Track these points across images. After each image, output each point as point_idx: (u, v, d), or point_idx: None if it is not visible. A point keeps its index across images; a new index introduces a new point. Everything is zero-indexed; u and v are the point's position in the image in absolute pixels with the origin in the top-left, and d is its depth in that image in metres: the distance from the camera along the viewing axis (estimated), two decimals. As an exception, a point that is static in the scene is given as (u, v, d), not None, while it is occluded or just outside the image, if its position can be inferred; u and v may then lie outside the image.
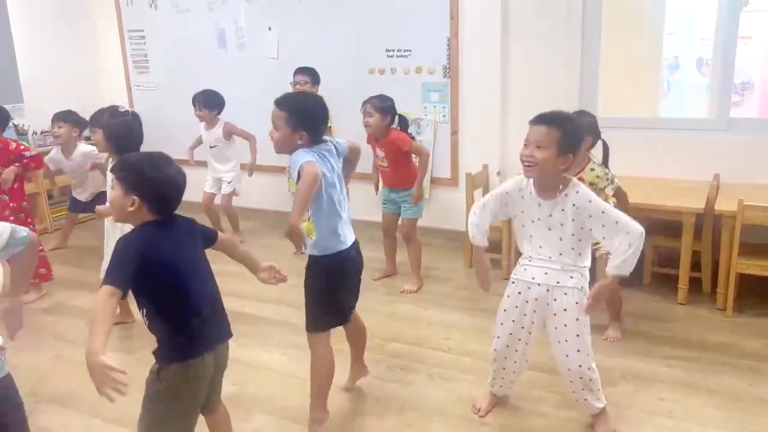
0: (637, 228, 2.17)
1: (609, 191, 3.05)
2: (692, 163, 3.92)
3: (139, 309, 1.90)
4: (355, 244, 2.47)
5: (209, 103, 4.81)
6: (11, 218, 3.75)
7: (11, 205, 3.88)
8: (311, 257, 2.39)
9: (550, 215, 2.29)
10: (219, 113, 4.87)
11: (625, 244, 2.15)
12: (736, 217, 3.29)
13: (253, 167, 4.89)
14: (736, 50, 3.93)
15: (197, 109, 4.83)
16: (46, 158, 4.60)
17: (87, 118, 5.71)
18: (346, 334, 2.69)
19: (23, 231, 1.89)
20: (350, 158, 2.56)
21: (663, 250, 3.95)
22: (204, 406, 2.06)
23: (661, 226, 3.83)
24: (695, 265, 3.65)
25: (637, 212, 3.48)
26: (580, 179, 3.03)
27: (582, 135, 2.31)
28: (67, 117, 4.47)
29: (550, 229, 2.30)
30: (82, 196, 4.76)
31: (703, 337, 3.23)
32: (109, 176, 2.62)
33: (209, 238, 2.07)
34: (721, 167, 3.84)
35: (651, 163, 3.92)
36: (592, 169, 3.05)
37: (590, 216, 2.23)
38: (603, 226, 2.21)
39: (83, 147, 4.56)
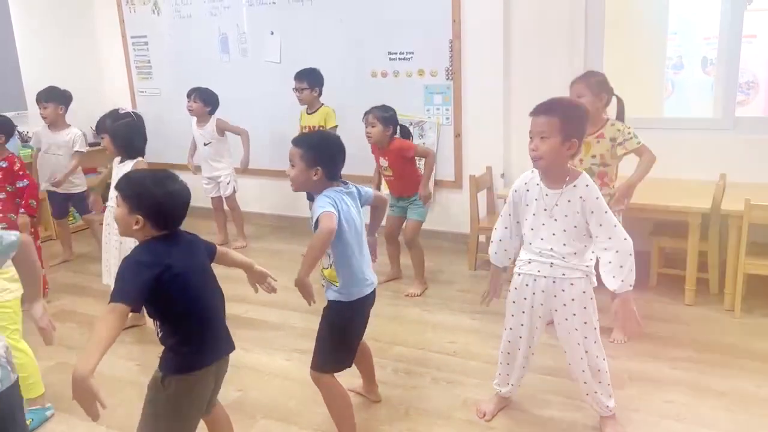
0: (629, 240, 2.22)
1: (630, 146, 3.08)
2: (698, 162, 3.89)
3: (151, 318, 1.90)
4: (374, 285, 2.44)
5: (204, 97, 4.81)
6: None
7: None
8: (333, 303, 2.34)
9: (556, 204, 2.27)
10: (212, 112, 4.87)
11: (620, 257, 2.19)
12: (743, 217, 3.26)
13: (247, 161, 4.89)
14: (741, 49, 3.91)
15: (191, 101, 4.81)
16: (33, 139, 4.71)
17: (93, 125, 5.81)
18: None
19: (11, 236, 1.87)
20: (377, 209, 2.55)
21: (669, 250, 3.92)
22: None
23: (667, 226, 3.81)
24: (702, 266, 3.62)
25: (642, 212, 3.48)
26: (600, 136, 3.04)
27: (585, 116, 2.29)
28: (49, 96, 4.49)
29: (555, 220, 2.28)
30: (67, 185, 4.65)
31: (711, 339, 3.20)
32: (113, 192, 2.64)
33: (210, 252, 2.07)
34: (727, 167, 3.81)
35: (656, 164, 3.88)
36: (613, 124, 3.10)
37: (592, 212, 2.22)
38: (601, 225, 2.22)
39: (75, 130, 4.60)
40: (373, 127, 3.75)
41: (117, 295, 1.69)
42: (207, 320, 1.92)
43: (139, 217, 1.82)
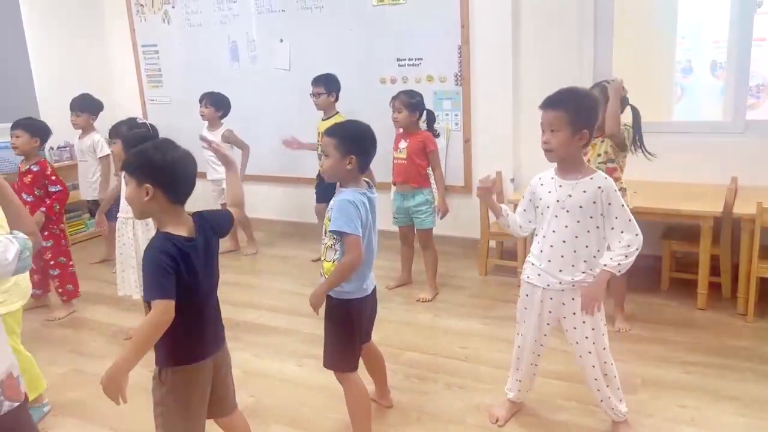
0: (640, 236, 2.24)
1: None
2: (709, 166, 3.88)
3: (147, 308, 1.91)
4: (374, 290, 2.46)
5: (215, 102, 4.87)
6: (45, 234, 3.82)
7: (50, 227, 3.90)
8: (331, 298, 2.35)
9: (570, 195, 2.27)
10: (223, 117, 4.92)
11: (625, 244, 2.21)
12: (755, 221, 3.24)
13: (243, 177, 4.90)
14: (751, 52, 3.90)
15: (202, 107, 4.87)
16: (76, 149, 4.95)
17: (104, 133, 5.86)
18: (364, 364, 2.64)
19: (27, 251, 1.80)
20: None
21: (681, 254, 3.91)
22: (216, 407, 2.06)
23: (678, 230, 3.80)
24: (714, 270, 3.60)
25: (653, 216, 3.47)
26: (603, 136, 3.06)
27: (595, 105, 2.30)
28: (83, 106, 4.69)
29: (567, 211, 2.28)
30: (90, 191, 4.83)
31: (724, 343, 3.18)
32: (125, 203, 2.63)
33: (226, 224, 2.07)
34: (739, 170, 3.79)
35: (667, 168, 3.87)
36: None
37: (610, 204, 2.24)
38: (617, 218, 2.24)
39: (96, 135, 4.73)
40: (399, 112, 3.81)
41: (153, 292, 1.71)
42: (205, 318, 1.94)
43: (148, 186, 1.81)
